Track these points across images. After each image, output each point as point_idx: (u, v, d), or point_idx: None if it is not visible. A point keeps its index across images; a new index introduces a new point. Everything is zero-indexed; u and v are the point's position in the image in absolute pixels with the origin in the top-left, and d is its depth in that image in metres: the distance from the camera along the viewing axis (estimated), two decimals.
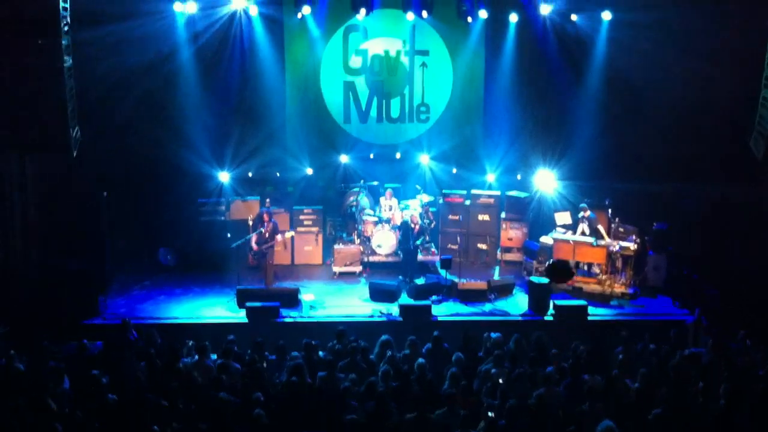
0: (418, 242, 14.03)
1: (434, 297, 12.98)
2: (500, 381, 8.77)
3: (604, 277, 13.34)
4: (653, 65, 14.67)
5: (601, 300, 13.04)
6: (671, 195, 14.62)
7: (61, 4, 11.24)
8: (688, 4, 13.73)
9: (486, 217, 15.33)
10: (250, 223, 13.43)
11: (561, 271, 12.95)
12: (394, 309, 12.51)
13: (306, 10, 15.07)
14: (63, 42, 11.33)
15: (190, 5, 14.29)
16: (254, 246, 13.23)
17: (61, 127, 11.57)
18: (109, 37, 13.17)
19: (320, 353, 9.78)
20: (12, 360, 9.20)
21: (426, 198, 15.12)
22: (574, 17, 15.29)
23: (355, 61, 16.31)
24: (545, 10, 15.09)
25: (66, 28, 11.47)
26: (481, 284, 13.30)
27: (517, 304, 13.07)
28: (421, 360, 9.22)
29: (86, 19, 12.40)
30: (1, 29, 11.25)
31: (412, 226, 13.71)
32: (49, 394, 8.13)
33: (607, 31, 15.26)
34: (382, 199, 15.09)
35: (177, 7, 14.30)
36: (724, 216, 14.19)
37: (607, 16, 15.01)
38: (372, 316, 12.40)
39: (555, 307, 12.44)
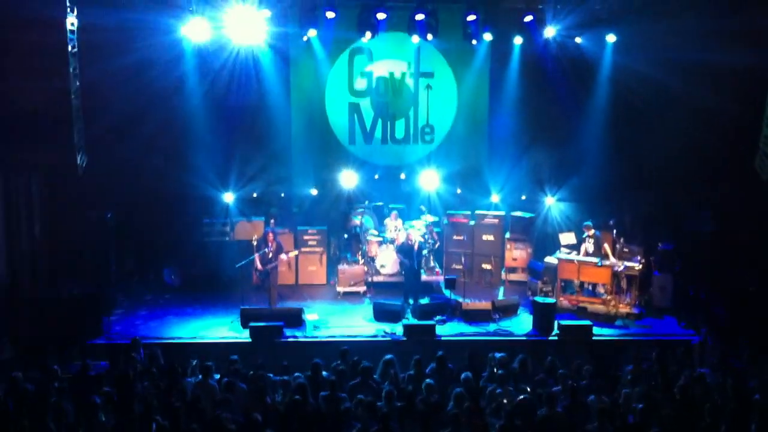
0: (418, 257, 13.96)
1: (438, 317, 12.94)
2: (505, 401, 8.72)
3: (609, 297, 13.29)
4: (658, 86, 14.72)
5: (606, 320, 12.97)
6: (677, 215, 14.61)
7: (69, 28, 11.41)
8: (691, 24, 13.79)
9: (490, 238, 15.33)
10: (255, 243, 13.46)
11: None
12: (398, 329, 12.48)
13: (311, 32, 15.22)
14: (70, 66, 11.46)
15: (197, 28, 14.43)
16: (259, 266, 13.25)
17: (67, 149, 11.69)
18: (116, 59, 13.29)
19: (324, 373, 9.75)
20: (17, 381, 9.19)
21: (430, 218, 15.15)
22: (578, 40, 15.40)
23: (360, 83, 16.43)
24: (550, 32, 15.19)
25: (74, 51, 11.62)
26: (485, 304, 13.26)
27: (522, 324, 13.02)
28: (429, 380, 9.14)
29: (93, 41, 12.55)
30: (10, 52, 11.41)
31: (410, 244, 13.69)
32: (52, 415, 8.13)
33: (612, 53, 15.36)
34: (387, 221, 15.11)
35: (184, 30, 14.45)
36: (731, 236, 14.16)
37: (611, 38, 15.11)
38: (376, 336, 12.36)
39: (560, 327, 12.39)
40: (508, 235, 15.26)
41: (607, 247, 13.72)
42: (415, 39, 15.46)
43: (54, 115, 11.62)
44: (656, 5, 14.05)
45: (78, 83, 11.82)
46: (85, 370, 9.92)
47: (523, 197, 16.11)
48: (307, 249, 15.01)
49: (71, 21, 11.51)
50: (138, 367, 10.18)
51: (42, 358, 10.39)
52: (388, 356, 10.00)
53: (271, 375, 9.75)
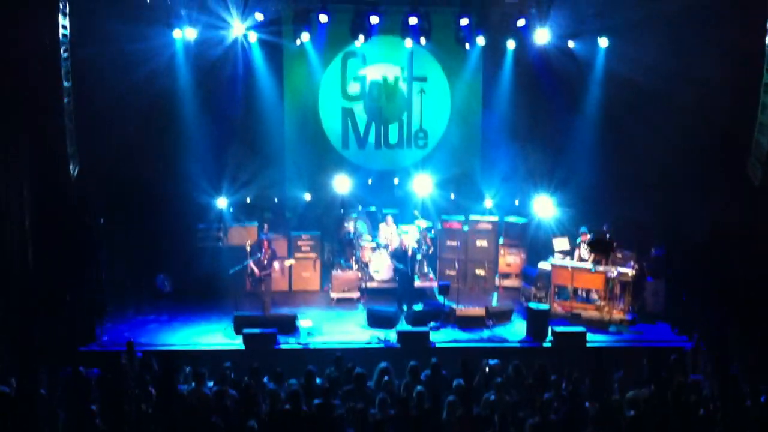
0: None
1: (432, 323, 12.92)
2: (498, 408, 8.71)
3: (602, 303, 13.30)
4: (650, 91, 14.73)
5: (599, 326, 12.98)
6: (670, 221, 14.62)
7: (61, 31, 11.35)
8: (684, 30, 13.82)
9: (484, 243, 15.33)
10: (248, 248, 13.42)
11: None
12: (392, 335, 12.45)
13: (305, 36, 15.21)
14: (62, 67, 11.40)
15: (189, 32, 14.42)
16: (256, 271, 13.21)
17: (58, 154, 11.62)
18: (108, 65, 13.23)
19: (317, 380, 9.71)
20: (7, 386, 9.14)
21: (424, 223, 15.13)
22: (571, 44, 15.43)
23: (354, 88, 16.43)
24: (542, 37, 15.21)
25: (65, 54, 11.56)
26: (479, 310, 13.25)
27: (516, 330, 13.01)
28: (419, 387, 9.15)
29: (86, 45, 12.48)
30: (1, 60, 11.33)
31: (404, 249, 13.68)
32: (42, 421, 8.07)
33: (604, 57, 15.39)
34: (382, 226, 15.09)
35: (176, 34, 14.42)
36: (723, 241, 14.16)
37: (604, 42, 15.14)
38: (370, 343, 12.33)
39: (553, 333, 12.38)
40: (501, 241, 15.26)
41: (593, 255, 13.77)
42: (409, 43, 15.47)
43: (47, 125, 11.53)
44: (648, 11, 14.06)
45: (70, 89, 11.73)
46: (76, 376, 9.84)
47: (517, 202, 16.12)
48: (301, 255, 14.97)
49: (63, 25, 11.43)
50: (132, 373, 10.12)
51: (33, 365, 10.30)
52: (383, 364, 9.98)
53: (266, 379, 9.72)
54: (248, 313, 12.97)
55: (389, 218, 15.11)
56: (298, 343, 12.21)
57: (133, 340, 11.30)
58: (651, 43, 14.21)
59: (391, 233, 14.84)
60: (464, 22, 15.13)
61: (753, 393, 9.23)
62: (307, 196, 15.94)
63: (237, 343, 12.19)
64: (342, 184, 15.57)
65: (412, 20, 14.91)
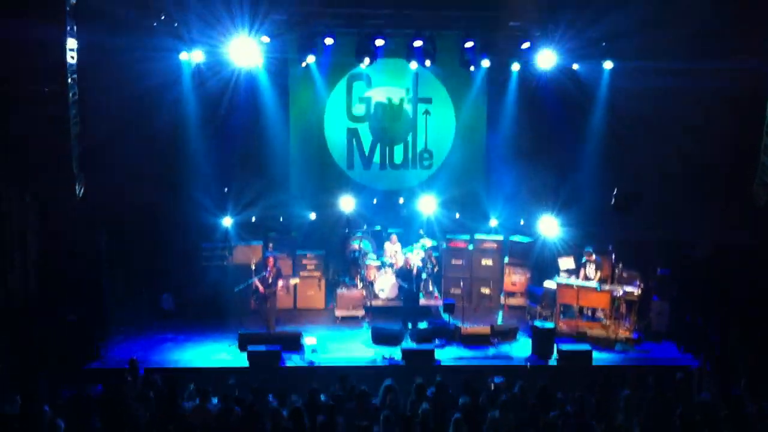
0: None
1: (437, 341, 12.89)
2: (503, 427, 8.66)
3: (608, 322, 13.28)
4: (655, 113, 14.81)
5: (605, 345, 12.93)
6: (675, 241, 14.62)
7: (69, 53, 11.49)
8: (688, 53, 13.91)
9: (489, 262, 15.33)
10: (253, 267, 13.45)
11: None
12: (396, 353, 12.41)
13: (310, 58, 15.35)
14: (69, 91, 11.52)
15: (195, 54, 14.58)
16: (261, 288, 13.23)
17: (64, 173, 11.71)
18: (114, 82, 13.38)
19: (321, 397, 9.69)
20: (9, 404, 9.13)
21: (429, 243, 15.15)
22: (575, 66, 15.52)
23: (359, 109, 16.54)
24: (547, 59, 15.30)
25: (73, 75, 11.70)
26: (484, 329, 13.22)
27: (521, 348, 12.97)
28: (425, 405, 9.11)
29: (93, 67, 12.63)
30: (9, 81, 11.47)
31: (409, 268, 13.68)
32: None
33: (609, 79, 15.48)
34: (387, 245, 15.12)
35: (183, 56, 14.57)
36: (728, 261, 14.15)
37: (608, 65, 15.23)
38: (374, 361, 12.30)
39: (559, 351, 12.34)
40: (506, 260, 15.26)
41: (599, 273, 13.79)
42: (414, 65, 15.58)
43: (54, 144, 11.64)
44: (651, 32, 14.17)
45: (77, 110, 11.86)
46: (80, 394, 9.83)
47: (522, 222, 16.14)
48: (306, 273, 14.98)
49: (71, 44, 11.57)
50: (134, 390, 10.11)
51: (35, 383, 10.31)
52: (388, 382, 9.94)
53: (270, 396, 9.71)
54: (253, 331, 12.98)
55: (394, 237, 15.15)
56: (303, 361, 12.18)
57: (136, 358, 11.32)
58: (655, 66, 14.29)
59: (395, 252, 14.87)
60: (469, 44, 15.24)
61: (760, 413, 9.19)
62: (313, 216, 15.98)
63: (242, 360, 12.17)
64: (347, 203, 15.63)
65: (417, 43, 15.01)
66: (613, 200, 13.53)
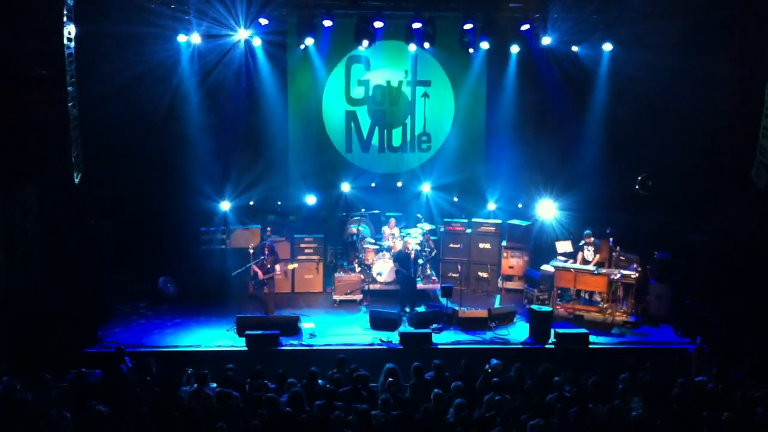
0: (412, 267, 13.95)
1: (435, 325, 12.93)
2: (501, 408, 8.70)
3: (605, 305, 13.31)
4: (654, 96, 14.75)
5: (602, 328, 12.98)
6: (674, 224, 14.61)
7: (66, 36, 11.41)
8: (688, 35, 13.83)
9: (487, 246, 15.34)
10: (251, 251, 13.45)
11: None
12: (394, 337, 12.45)
13: (309, 41, 15.27)
14: (67, 75, 11.46)
15: (194, 37, 14.50)
16: (260, 274, 13.24)
17: (62, 158, 11.68)
18: (112, 66, 13.32)
19: (319, 381, 9.72)
20: (14, 391, 9.15)
21: (427, 226, 15.16)
22: (575, 48, 15.45)
23: (358, 92, 16.47)
24: (546, 41, 15.24)
25: (71, 60, 11.63)
26: (481, 312, 13.25)
27: (518, 332, 13.00)
28: (437, 390, 9.00)
29: (90, 50, 12.56)
30: (7, 66, 11.39)
31: (407, 252, 13.70)
32: (51, 424, 8.09)
33: (609, 61, 15.41)
34: (385, 228, 15.12)
35: (181, 38, 14.49)
36: (727, 244, 14.15)
37: (608, 47, 15.15)
38: (372, 345, 12.34)
39: (556, 335, 12.38)
40: (504, 244, 15.27)
41: (597, 257, 13.80)
42: (412, 48, 15.51)
43: (51, 129, 11.59)
44: (652, 14, 14.08)
45: (75, 95, 11.80)
46: (80, 378, 9.88)
47: (520, 205, 16.13)
48: (304, 257, 15.00)
49: (69, 30, 11.50)
50: (125, 376, 10.13)
51: (37, 367, 10.33)
52: (390, 365, 9.93)
53: (268, 382, 9.74)
54: (251, 315, 13.01)
55: (392, 221, 15.14)
56: (301, 345, 12.23)
57: (123, 345, 11.32)
58: (656, 48, 14.21)
59: (393, 236, 14.87)
60: (468, 26, 15.16)
61: (764, 399, 9.20)
62: (311, 199, 15.97)
63: (240, 344, 12.21)
64: (345, 187, 15.57)
65: (416, 25, 14.94)
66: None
